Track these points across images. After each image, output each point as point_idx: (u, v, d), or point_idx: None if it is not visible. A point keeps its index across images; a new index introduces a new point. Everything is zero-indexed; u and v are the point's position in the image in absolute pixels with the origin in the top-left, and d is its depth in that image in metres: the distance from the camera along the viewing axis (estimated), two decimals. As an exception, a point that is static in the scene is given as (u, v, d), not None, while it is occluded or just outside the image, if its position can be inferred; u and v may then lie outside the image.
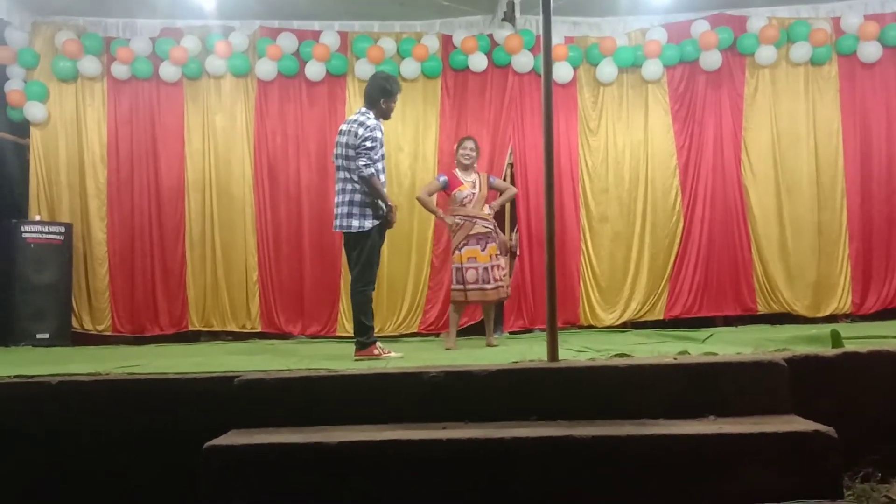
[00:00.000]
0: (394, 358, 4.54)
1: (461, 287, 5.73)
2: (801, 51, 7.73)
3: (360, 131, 4.71)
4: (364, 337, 4.71)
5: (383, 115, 4.97)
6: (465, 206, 5.81)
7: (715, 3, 7.77)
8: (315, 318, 7.85)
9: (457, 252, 5.78)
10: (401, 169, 7.80)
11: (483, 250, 5.72)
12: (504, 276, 5.86)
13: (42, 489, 3.05)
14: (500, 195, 6.15)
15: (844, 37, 7.74)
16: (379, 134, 4.74)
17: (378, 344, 4.77)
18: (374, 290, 4.87)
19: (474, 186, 5.84)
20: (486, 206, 5.93)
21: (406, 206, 7.65)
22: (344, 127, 4.86)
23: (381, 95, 4.90)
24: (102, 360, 4.61)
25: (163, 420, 3.02)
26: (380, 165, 4.80)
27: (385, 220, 4.77)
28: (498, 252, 5.80)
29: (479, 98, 7.96)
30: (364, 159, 4.65)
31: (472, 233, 5.75)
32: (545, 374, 2.87)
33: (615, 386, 2.78)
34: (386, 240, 5.00)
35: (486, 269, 5.71)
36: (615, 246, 7.92)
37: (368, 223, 4.73)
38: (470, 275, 5.71)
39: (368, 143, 4.66)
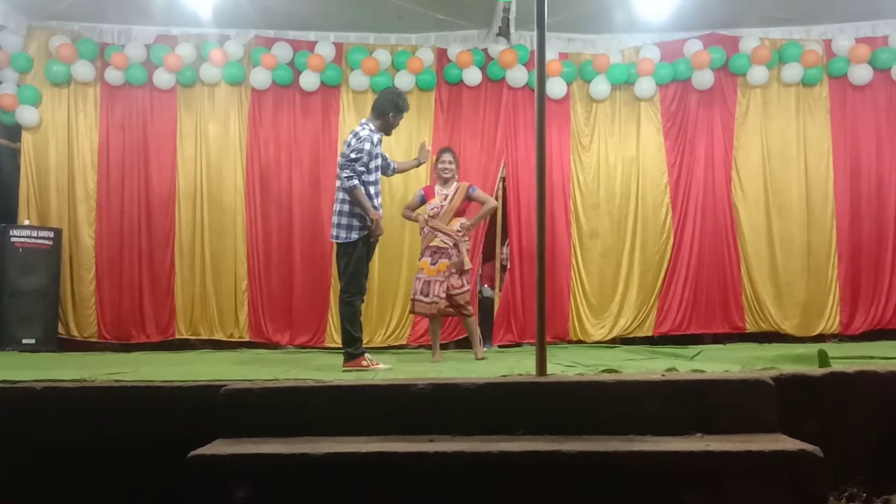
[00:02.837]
0: (382, 369, 4.54)
1: (412, 297, 5.82)
2: (792, 72, 7.80)
3: (353, 142, 4.76)
4: (352, 348, 4.70)
5: (386, 129, 5.02)
6: (432, 217, 5.81)
7: (708, 23, 7.83)
8: (304, 329, 7.83)
9: (419, 261, 5.89)
10: (393, 181, 7.77)
11: (433, 264, 5.71)
12: (456, 295, 5.71)
13: (25, 495, 3.02)
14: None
15: (836, 59, 7.82)
16: (367, 146, 4.75)
17: (367, 355, 4.76)
18: (362, 301, 4.87)
19: (444, 199, 5.82)
20: (458, 222, 5.82)
21: (398, 218, 7.63)
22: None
23: (391, 109, 4.97)
24: (88, 366, 4.58)
25: (149, 428, 2.99)
26: (372, 177, 4.82)
27: (370, 232, 4.78)
28: (450, 270, 5.70)
29: (473, 112, 7.98)
30: (347, 171, 4.68)
31: (430, 244, 5.76)
32: (533, 389, 2.87)
33: (603, 401, 2.77)
34: (377, 251, 5.01)
35: (427, 282, 5.69)
36: (605, 261, 7.94)
37: (354, 234, 4.76)
38: (415, 285, 5.78)
39: (353, 155, 4.70)
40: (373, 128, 4.89)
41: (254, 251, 7.86)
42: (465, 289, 5.80)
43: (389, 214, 7.27)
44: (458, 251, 5.73)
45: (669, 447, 2.49)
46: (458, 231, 5.77)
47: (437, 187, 5.92)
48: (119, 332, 7.78)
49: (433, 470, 2.45)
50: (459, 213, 5.86)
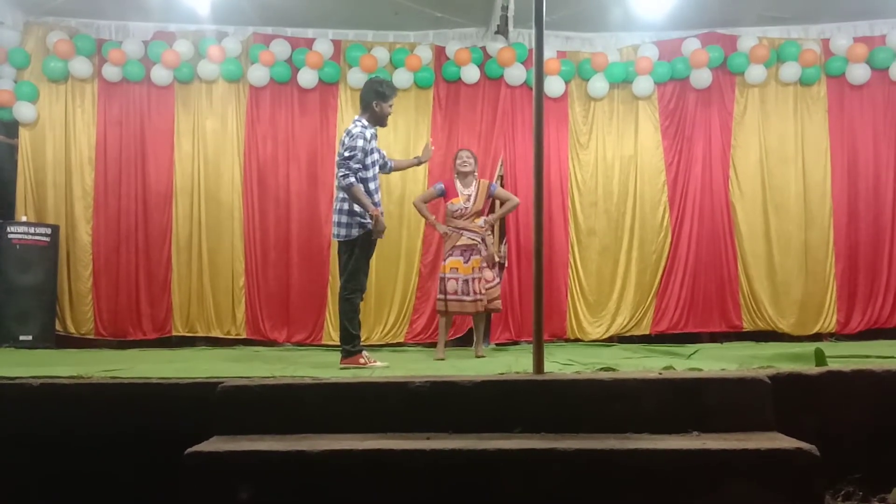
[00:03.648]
0: (379, 367, 4.54)
1: (443, 297, 5.78)
2: (790, 71, 7.80)
3: (346, 141, 4.74)
4: (350, 345, 4.70)
5: (377, 120, 4.96)
6: (456, 218, 5.87)
7: (706, 22, 7.83)
8: (301, 326, 7.81)
9: (443, 262, 5.86)
10: (391, 178, 7.74)
11: (466, 262, 5.75)
12: (490, 289, 5.84)
13: (21, 492, 3.01)
14: (501, 205, 6.18)
15: (833, 58, 7.81)
16: (360, 142, 4.71)
17: (364, 353, 4.76)
18: (361, 298, 4.86)
19: (468, 200, 5.86)
20: (481, 218, 5.91)
21: (395, 215, 7.68)
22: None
23: (373, 98, 4.90)
24: (85, 363, 4.58)
25: (145, 425, 2.99)
26: (369, 173, 4.80)
27: (370, 230, 4.77)
28: (483, 265, 5.79)
29: (471, 110, 7.97)
30: (343, 170, 4.66)
31: (458, 244, 5.80)
32: (531, 387, 2.87)
33: (600, 399, 2.77)
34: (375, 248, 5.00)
35: (465, 280, 5.72)
36: (603, 260, 7.94)
37: (355, 231, 4.75)
38: (451, 285, 5.75)
39: (347, 153, 4.68)
40: (365, 123, 4.85)
41: (251, 248, 7.85)
42: (496, 282, 5.90)
43: (388, 211, 7.28)
44: (486, 245, 5.82)
45: (666, 445, 2.49)
46: (482, 227, 5.87)
47: (458, 185, 5.93)
48: (116, 328, 7.76)
49: (430, 467, 2.45)
50: (481, 211, 5.94)
